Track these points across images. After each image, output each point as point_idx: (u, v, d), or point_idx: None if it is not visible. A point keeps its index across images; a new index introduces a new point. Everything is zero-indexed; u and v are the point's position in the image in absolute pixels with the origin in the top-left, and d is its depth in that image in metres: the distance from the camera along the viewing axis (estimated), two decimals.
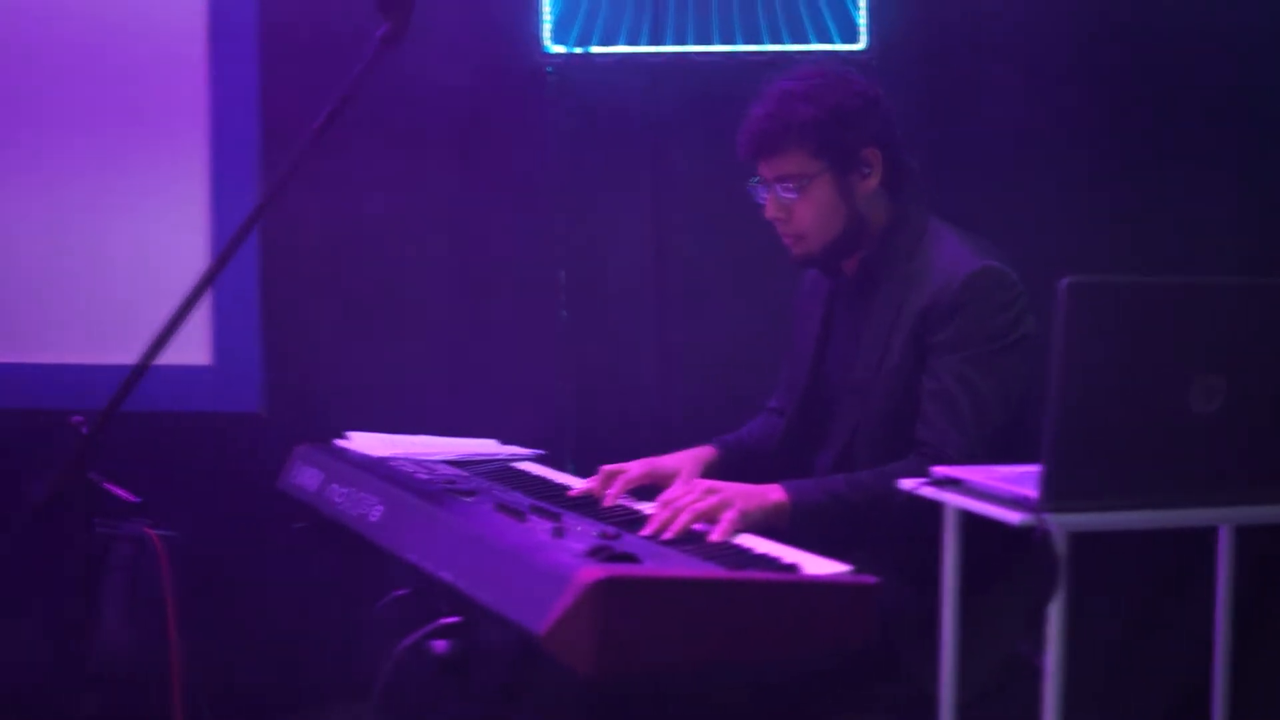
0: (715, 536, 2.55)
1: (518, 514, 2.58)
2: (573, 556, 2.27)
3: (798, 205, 2.90)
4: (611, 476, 2.92)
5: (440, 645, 2.42)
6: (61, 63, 4.39)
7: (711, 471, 3.05)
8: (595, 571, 2.12)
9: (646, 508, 2.75)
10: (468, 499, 2.74)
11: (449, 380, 4.15)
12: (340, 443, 3.35)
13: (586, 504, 2.84)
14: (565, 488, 3.00)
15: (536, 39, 4.10)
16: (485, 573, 2.34)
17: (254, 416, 4.20)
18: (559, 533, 2.44)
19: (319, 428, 3.47)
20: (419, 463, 3.14)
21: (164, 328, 2.59)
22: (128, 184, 4.35)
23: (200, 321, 4.23)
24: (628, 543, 2.42)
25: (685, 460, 3.08)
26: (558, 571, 2.17)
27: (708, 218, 4.14)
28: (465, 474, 3.07)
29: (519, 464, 3.28)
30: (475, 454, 3.32)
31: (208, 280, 2.67)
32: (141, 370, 2.59)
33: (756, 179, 2.96)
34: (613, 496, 2.85)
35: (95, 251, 4.37)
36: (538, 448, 3.42)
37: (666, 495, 2.67)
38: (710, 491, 2.63)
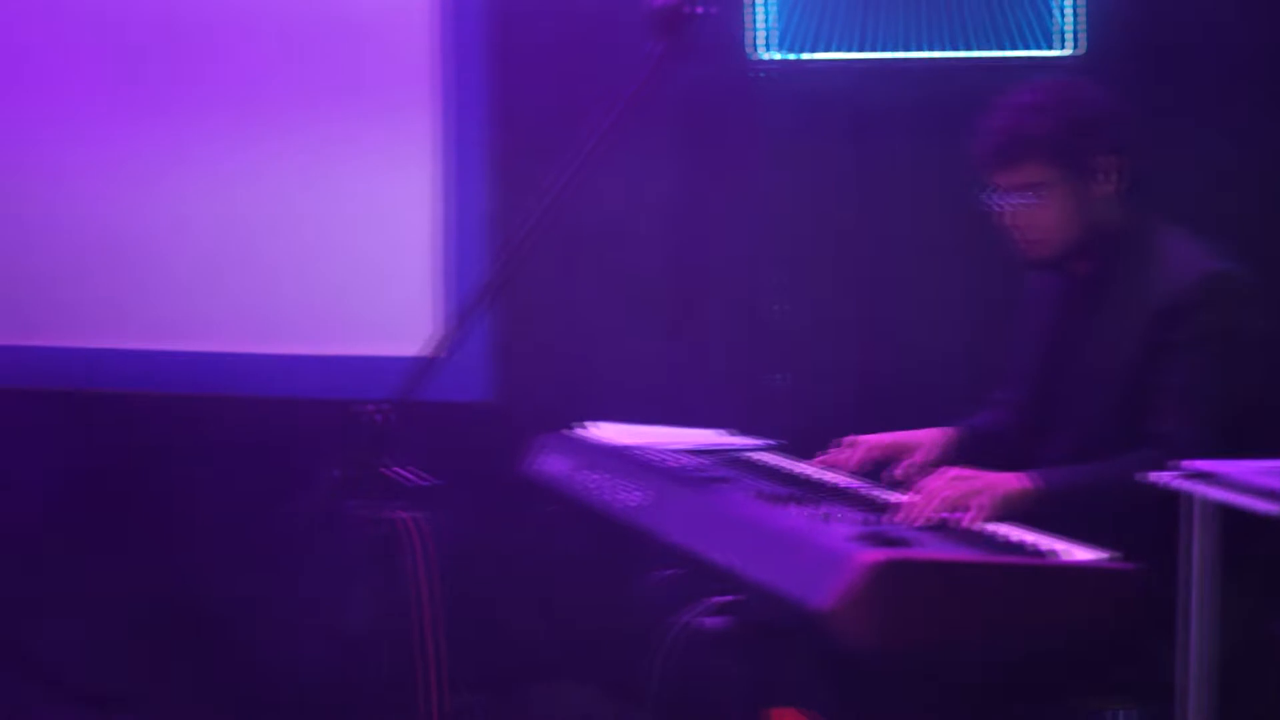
0: (967, 522, 2.71)
1: (779, 500, 2.76)
2: (847, 540, 2.44)
3: (1035, 213, 3.04)
4: (853, 445, 3.10)
5: (713, 621, 2.60)
6: (288, 47, 4.63)
7: (951, 452, 3.21)
8: (876, 554, 2.29)
9: (895, 497, 2.90)
10: (723, 485, 2.92)
11: (671, 371, 4.33)
12: (581, 432, 3.54)
13: (836, 491, 3.00)
14: (805, 475, 3.16)
15: (750, 44, 4.27)
16: (760, 554, 2.52)
17: (484, 405, 4.40)
18: (826, 517, 2.62)
19: (547, 416, 3.66)
20: (662, 451, 3.31)
21: (454, 322, 2.78)
22: (356, 170, 4.60)
23: (431, 313, 4.46)
24: (891, 528, 2.58)
25: (926, 438, 3.24)
26: (837, 553, 2.35)
27: (914, 218, 4.28)
28: (708, 462, 3.24)
29: (756, 454, 3.45)
30: (712, 443, 3.50)
31: (501, 278, 2.86)
32: (432, 362, 2.79)
33: (992, 187, 3.10)
34: (856, 462, 3.03)
35: (323, 242, 4.63)
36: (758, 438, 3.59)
37: (920, 483, 2.83)
38: (960, 479, 2.79)
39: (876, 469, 3.15)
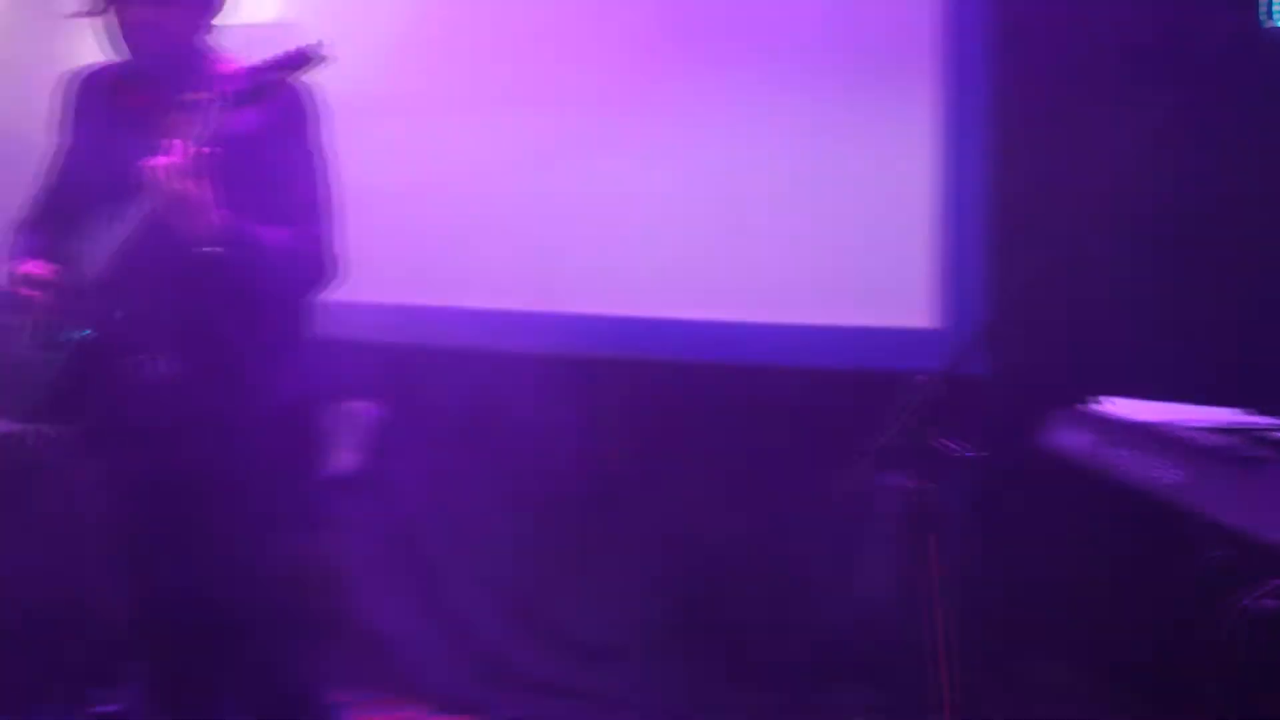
0: None
1: None
2: None
3: None
4: None
5: (1275, 603, 2.56)
6: (793, 12, 4.73)
7: None
8: None
9: None
10: (1269, 466, 2.85)
11: (1174, 345, 4.24)
12: (1097, 407, 3.51)
13: None
14: None
15: (1265, 11, 4.11)
16: None
17: (979, 379, 4.40)
18: None
19: (1046, 391, 3.63)
20: (1189, 428, 3.25)
21: (1008, 302, 2.80)
22: (857, 137, 4.65)
23: (927, 285, 4.49)
24: None
25: None
26: None
27: None
28: (1238, 441, 3.16)
29: None
30: (1235, 421, 3.41)
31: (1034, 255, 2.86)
32: (984, 336, 2.82)
33: None
34: None
35: (821, 210, 4.71)
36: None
37: None
38: None
39: None
